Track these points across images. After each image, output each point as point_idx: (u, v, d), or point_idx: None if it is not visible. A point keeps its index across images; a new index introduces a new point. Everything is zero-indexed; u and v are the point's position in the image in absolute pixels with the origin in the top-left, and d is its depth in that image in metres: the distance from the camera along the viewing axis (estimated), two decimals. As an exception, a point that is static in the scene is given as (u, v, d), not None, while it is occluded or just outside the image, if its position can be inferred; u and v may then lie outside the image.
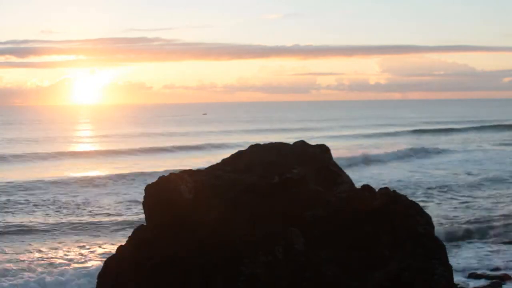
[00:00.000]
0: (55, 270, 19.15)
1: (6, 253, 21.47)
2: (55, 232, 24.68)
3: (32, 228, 25.33)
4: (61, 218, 27.09)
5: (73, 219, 27.06)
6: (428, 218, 12.81)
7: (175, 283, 12.05)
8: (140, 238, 12.71)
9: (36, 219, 27.19)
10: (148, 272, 12.21)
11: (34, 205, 30.12)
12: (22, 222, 26.37)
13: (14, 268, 19.56)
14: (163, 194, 12.82)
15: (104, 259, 13.47)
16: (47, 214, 28.11)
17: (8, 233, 24.55)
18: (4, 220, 26.82)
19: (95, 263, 19.49)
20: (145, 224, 13.22)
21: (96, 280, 12.92)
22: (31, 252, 21.37)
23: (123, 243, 13.11)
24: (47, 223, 26.24)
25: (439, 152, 57.85)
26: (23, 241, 23.22)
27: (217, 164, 13.79)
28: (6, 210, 29.16)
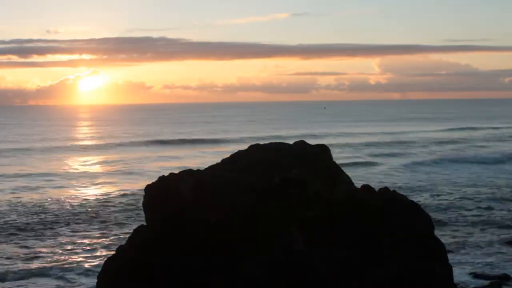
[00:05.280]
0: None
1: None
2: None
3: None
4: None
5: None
6: (428, 218, 12.81)
7: (175, 283, 12.04)
8: (140, 238, 12.70)
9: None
10: (148, 272, 12.20)
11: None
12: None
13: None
14: (163, 194, 12.81)
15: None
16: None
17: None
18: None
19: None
20: (145, 224, 13.22)
21: (96, 280, 12.92)
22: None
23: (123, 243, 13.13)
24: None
25: None
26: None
27: (217, 164, 13.76)
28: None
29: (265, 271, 11.79)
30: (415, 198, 29.73)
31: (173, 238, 12.34)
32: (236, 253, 11.90)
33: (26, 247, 22.69)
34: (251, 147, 13.95)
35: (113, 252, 13.34)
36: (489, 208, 29.22)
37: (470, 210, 28.93)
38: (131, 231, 13.30)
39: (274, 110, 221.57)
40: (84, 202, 31.90)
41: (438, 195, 33.27)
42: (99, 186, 37.84)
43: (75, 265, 20.13)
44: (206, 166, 13.94)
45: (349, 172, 15.29)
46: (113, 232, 25.00)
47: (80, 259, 20.94)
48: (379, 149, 59.94)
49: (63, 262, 20.50)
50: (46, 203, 31.29)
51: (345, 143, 66.09)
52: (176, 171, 13.50)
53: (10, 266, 19.93)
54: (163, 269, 12.13)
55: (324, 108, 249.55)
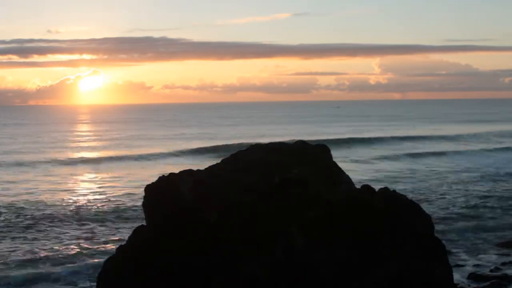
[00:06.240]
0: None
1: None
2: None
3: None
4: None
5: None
6: (428, 219, 12.81)
7: (175, 283, 12.05)
8: (140, 238, 12.71)
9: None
10: (148, 272, 12.21)
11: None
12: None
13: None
14: (163, 194, 12.82)
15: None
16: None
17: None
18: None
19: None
20: (145, 224, 13.22)
21: (96, 280, 12.92)
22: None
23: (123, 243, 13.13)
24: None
25: None
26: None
27: (217, 164, 13.77)
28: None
29: (265, 271, 11.80)
30: (422, 196, 29.79)
31: (173, 238, 12.35)
32: (236, 253, 11.91)
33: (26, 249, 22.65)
34: (251, 147, 13.97)
35: (113, 252, 13.34)
36: (490, 209, 29.23)
37: (471, 210, 28.94)
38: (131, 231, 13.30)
39: (297, 111, 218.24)
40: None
41: (441, 195, 33.29)
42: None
43: (75, 265, 20.13)
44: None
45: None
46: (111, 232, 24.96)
47: (81, 259, 20.94)
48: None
49: (63, 263, 20.50)
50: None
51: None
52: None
53: (11, 268, 19.90)
54: (163, 269, 12.14)
55: (338, 107, 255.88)
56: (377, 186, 13.66)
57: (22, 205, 29.88)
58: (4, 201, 31.39)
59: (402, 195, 13.01)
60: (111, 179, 39.87)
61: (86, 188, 36.37)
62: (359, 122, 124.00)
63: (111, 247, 21.30)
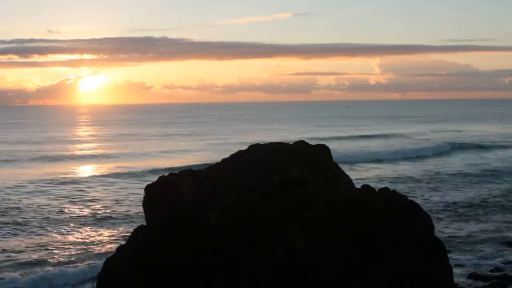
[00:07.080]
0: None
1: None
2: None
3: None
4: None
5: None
6: (428, 219, 12.80)
7: (175, 283, 12.04)
8: (140, 238, 12.70)
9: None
10: (148, 272, 12.20)
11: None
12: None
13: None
14: (163, 194, 12.81)
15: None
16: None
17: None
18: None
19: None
20: (145, 224, 13.21)
21: (96, 280, 12.91)
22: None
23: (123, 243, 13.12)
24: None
25: None
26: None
27: (217, 164, 13.77)
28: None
29: (266, 271, 11.79)
30: (423, 196, 29.77)
31: (173, 238, 12.34)
32: (236, 253, 11.90)
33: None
34: (251, 147, 13.96)
35: (113, 252, 13.32)
36: (490, 209, 29.20)
37: (471, 210, 28.91)
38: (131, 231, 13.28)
39: (303, 112, 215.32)
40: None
41: (441, 195, 33.26)
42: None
43: (75, 265, 20.11)
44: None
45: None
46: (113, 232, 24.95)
47: (80, 259, 20.91)
48: None
49: (64, 263, 20.48)
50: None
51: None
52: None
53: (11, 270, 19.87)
54: (163, 269, 12.13)
55: (347, 107, 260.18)
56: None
57: (20, 208, 29.86)
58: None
59: (402, 195, 13.01)
60: (110, 182, 39.94)
61: (85, 191, 36.36)
62: (400, 123, 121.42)
63: (111, 247, 21.30)
